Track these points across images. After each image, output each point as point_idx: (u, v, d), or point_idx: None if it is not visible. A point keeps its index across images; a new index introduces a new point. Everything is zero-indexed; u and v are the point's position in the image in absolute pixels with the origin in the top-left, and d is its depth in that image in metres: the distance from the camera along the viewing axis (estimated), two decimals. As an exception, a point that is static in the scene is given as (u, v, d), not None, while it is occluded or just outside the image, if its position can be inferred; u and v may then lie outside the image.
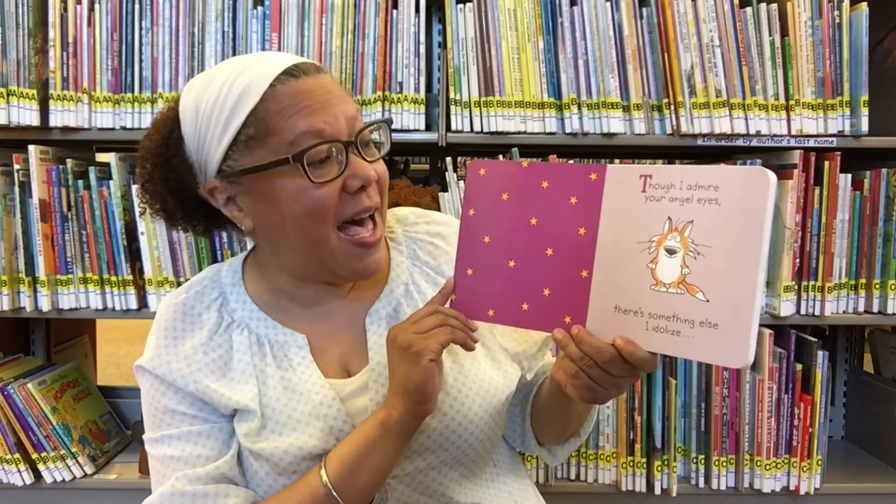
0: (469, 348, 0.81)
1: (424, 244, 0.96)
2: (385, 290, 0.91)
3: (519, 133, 1.48)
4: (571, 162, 1.49)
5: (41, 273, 1.47)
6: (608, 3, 1.47)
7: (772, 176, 0.65)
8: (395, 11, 1.48)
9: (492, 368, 0.91)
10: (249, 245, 1.40)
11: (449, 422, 0.86)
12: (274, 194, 0.80)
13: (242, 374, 0.85)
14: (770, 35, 1.48)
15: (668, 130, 1.48)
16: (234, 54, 1.48)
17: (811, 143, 1.49)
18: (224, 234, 1.49)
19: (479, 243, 0.81)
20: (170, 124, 0.85)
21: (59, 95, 1.45)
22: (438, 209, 1.51)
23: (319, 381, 0.85)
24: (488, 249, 0.81)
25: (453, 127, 1.48)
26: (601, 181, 0.75)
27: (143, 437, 0.88)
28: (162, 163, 0.85)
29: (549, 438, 0.99)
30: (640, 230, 0.72)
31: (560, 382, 0.78)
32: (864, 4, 1.46)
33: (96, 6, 1.46)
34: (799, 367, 1.52)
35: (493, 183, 0.81)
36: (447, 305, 0.83)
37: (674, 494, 1.55)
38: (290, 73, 0.79)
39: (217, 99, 0.79)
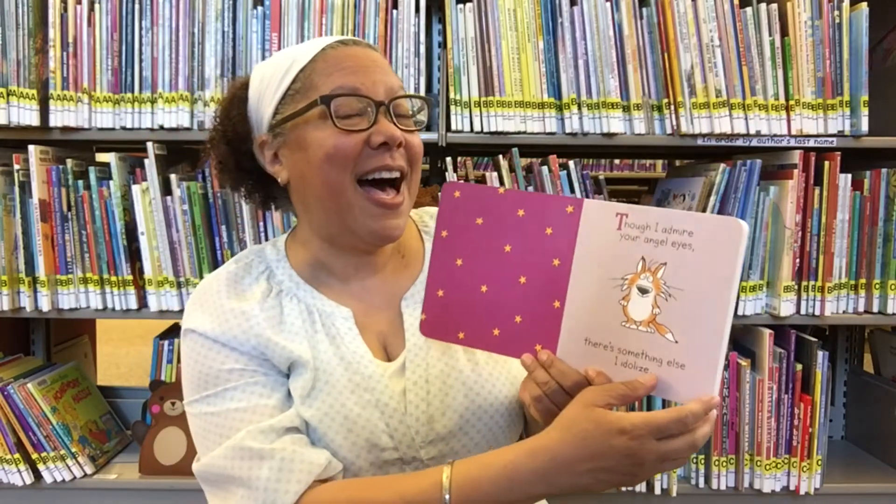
0: None
1: None
2: (420, 278, 0.94)
3: (519, 133, 1.48)
4: (571, 162, 1.49)
5: (41, 273, 1.47)
6: (608, 3, 1.47)
7: (744, 226, 0.67)
8: (395, 11, 1.48)
9: (507, 381, 0.92)
10: (250, 243, 1.40)
11: (481, 402, 0.88)
12: (305, 142, 0.84)
13: (296, 336, 0.86)
14: (770, 35, 1.48)
15: (668, 130, 1.48)
16: (234, 54, 1.48)
17: (811, 143, 1.49)
18: (224, 234, 1.49)
19: (452, 265, 0.81)
20: (240, 85, 0.93)
21: (59, 95, 1.45)
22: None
23: (367, 355, 0.87)
24: (461, 272, 0.81)
25: (453, 127, 1.48)
26: (577, 214, 0.76)
27: (189, 398, 0.86)
28: (224, 117, 0.93)
29: None
30: (614, 267, 0.74)
31: (524, 403, 0.80)
32: (864, 4, 1.46)
33: (96, 6, 1.46)
34: (799, 367, 1.52)
35: (468, 206, 0.81)
36: (419, 326, 0.85)
37: (674, 494, 1.55)
38: (342, 41, 0.87)
39: (279, 65, 0.87)
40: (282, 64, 0.87)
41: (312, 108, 0.83)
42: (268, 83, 0.88)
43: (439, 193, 1.52)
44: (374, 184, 0.85)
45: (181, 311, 1.50)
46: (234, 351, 0.84)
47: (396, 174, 0.85)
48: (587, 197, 1.50)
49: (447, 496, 0.74)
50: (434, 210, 1.04)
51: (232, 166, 0.94)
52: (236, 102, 0.92)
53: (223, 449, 0.80)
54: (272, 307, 0.88)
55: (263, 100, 0.88)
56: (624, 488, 1.54)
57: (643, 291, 0.72)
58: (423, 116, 0.92)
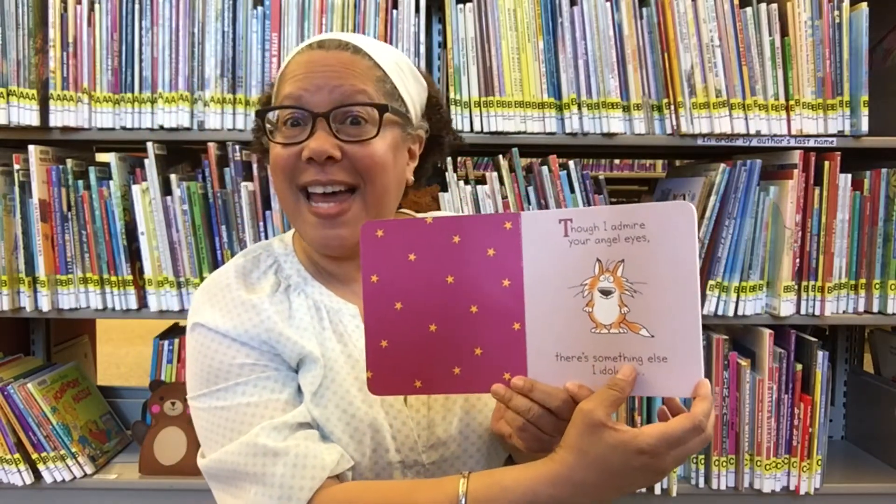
0: None
1: None
2: None
3: (519, 133, 1.48)
4: (571, 162, 1.49)
5: (41, 273, 1.47)
6: (608, 3, 1.47)
7: (692, 207, 0.67)
8: (395, 11, 1.48)
9: None
10: (250, 243, 1.40)
11: (482, 407, 0.88)
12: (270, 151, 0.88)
13: (305, 331, 0.86)
14: (770, 35, 1.48)
15: (668, 130, 1.48)
16: (234, 54, 1.48)
17: (811, 143, 1.49)
18: (224, 234, 1.49)
19: (391, 311, 0.75)
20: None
21: (59, 95, 1.45)
22: (438, 209, 1.51)
23: None
24: (402, 316, 0.75)
25: (453, 127, 1.48)
26: (517, 229, 0.73)
27: (196, 393, 0.85)
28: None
29: None
30: (568, 275, 0.71)
31: (502, 434, 0.77)
32: (864, 4, 1.46)
33: (96, 6, 1.46)
34: (799, 367, 1.52)
35: (394, 244, 0.75)
36: (364, 382, 0.78)
37: (674, 494, 1.55)
38: (318, 43, 0.86)
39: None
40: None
41: (257, 116, 0.89)
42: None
43: (439, 193, 1.52)
44: (319, 194, 0.84)
45: (181, 311, 1.50)
46: (244, 345, 0.84)
47: (338, 188, 0.83)
48: (587, 197, 1.51)
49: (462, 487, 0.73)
50: (434, 214, 1.03)
51: None
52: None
53: (236, 445, 0.79)
54: (281, 301, 0.87)
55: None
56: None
57: (606, 293, 0.70)
58: (370, 121, 0.85)
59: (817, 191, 1.48)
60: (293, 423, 0.81)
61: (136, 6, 1.46)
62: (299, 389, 0.85)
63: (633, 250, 0.69)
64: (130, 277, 1.50)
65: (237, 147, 1.45)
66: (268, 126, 0.86)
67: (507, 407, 0.74)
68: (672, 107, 1.47)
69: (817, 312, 1.50)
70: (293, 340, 0.84)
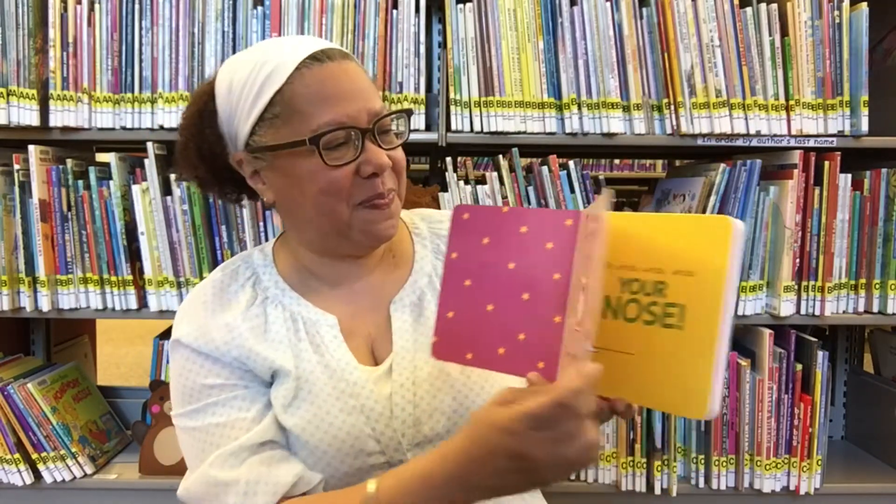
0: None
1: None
2: (409, 280, 0.94)
3: (519, 133, 1.48)
4: (571, 162, 1.49)
5: (41, 273, 1.47)
6: (608, 3, 1.47)
7: (730, 222, 0.69)
8: (395, 11, 1.48)
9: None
10: (250, 244, 1.40)
11: (470, 404, 0.88)
12: (294, 172, 0.84)
13: (280, 344, 0.87)
14: (770, 35, 1.48)
15: (668, 130, 1.48)
16: (234, 54, 1.47)
17: (811, 143, 1.49)
18: (224, 234, 1.49)
19: (461, 286, 0.81)
20: (205, 97, 0.90)
21: (59, 95, 1.45)
22: (438, 209, 1.51)
23: (352, 361, 0.87)
24: (469, 293, 0.80)
25: (453, 127, 1.48)
26: (575, 227, 0.75)
27: (176, 412, 0.87)
28: (196, 133, 0.90)
29: None
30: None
31: None
32: (864, 4, 1.46)
33: (96, 6, 1.46)
34: (799, 367, 1.52)
35: (475, 227, 0.81)
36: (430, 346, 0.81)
37: (674, 494, 1.55)
38: (316, 57, 0.83)
39: (248, 77, 0.84)
40: (252, 77, 0.83)
41: (300, 145, 0.82)
42: (239, 98, 0.84)
43: (439, 193, 1.52)
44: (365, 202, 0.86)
45: (181, 311, 1.50)
46: (216, 363, 0.85)
47: (386, 195, 0.86)
48: (587, 197, 1.51)
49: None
50: (426, 211, 1.05)
51: (212, 181, 0.93)
52: (207, 117, 0.89)
53: (197, 475, 0.83)
54: (256, 315, 0.88)
55: (237, 117, 0.85)
56: (624, 487, 1.54)
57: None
58: (402, 126, 0.90)
59: (817, 191, 1.48)
60: (251, 444, 0.82)
61: (136, 6, 1.46)
62: (271, 402, 0.86)
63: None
64: (130, 277, 1.50)
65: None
66: (323, 151, 0.81)
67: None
68: (672, 107, 1.47)
69: (817, 312, 1.50)
70: (263, 356, 0.85)
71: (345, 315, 0.91)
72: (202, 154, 0.90)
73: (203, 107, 0.89)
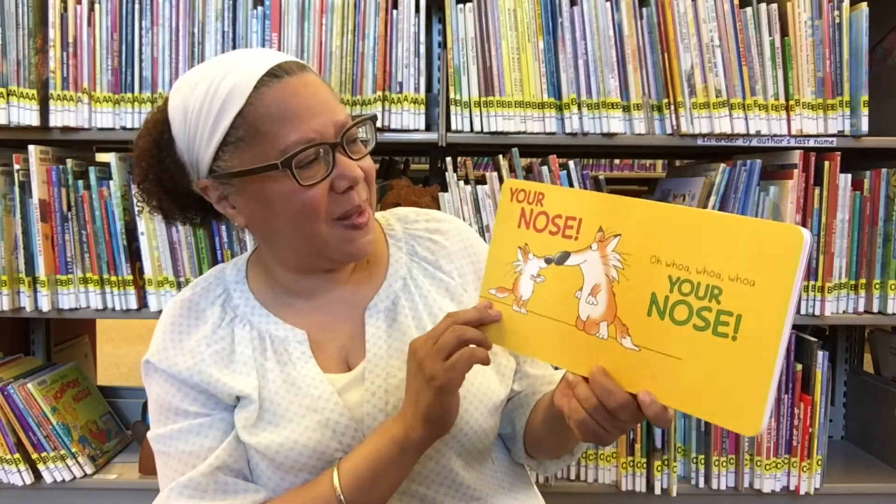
0: (486, 363, 0.78)
1: (423, 240, 0.97)
2: (384, 285, 0.93)
3: (519, 133, 1.48)
4: (571, 162, 1.49)
5: (41, 273, 1.47)
6: (608, 3, 1.47)
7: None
8: (395, 11, 1.48)
9: (491, 370, 0.92)
10: (249, 243, 1.40)
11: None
12: (266, 195, 0.81)
13: (244, 367, 0.87)
14: (770, 35, 1.48)
15: (668, 130, 1.48)
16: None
17: (811, 143, 1.49)
18: (224, 234, 1.49)
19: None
20: (160, 126, 0.86)
21: (59, 95, 1.45)
22: (438, 209, 1.51)
23: (318, 375, 0.86)
24: None
25: (453, 127, 1.48)
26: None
27: (149, 433, 0.89)
28: (155, 164, 0.86)
29: (541, 455, 0.99)
30: None
31: (563, 411, 0.76)
32: (864, 4, 1.46)
33: (96, 6, 1.46)
34: (799, 367, 1.52)
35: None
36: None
37: (674, 494, 1.55)
38: (274, 73, 0.79)
39: (204, 101, 0.80)
40: (209, 100, 0.79)
41: (271, 169, 0.78)
42: (197, 123, 0.80)
43: (439, 193, 1.52)
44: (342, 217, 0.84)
45: (181, 311, 1.50)
46: (182, 387, 0.86)
47: (362, 206, 0.84)
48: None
49: (341, 497, 0.80)
50: (401, 211, 1.03)
51: (175, 209, 0.90)
52: (164, 146, 0.85)
53: (160, 502, 0.87)
54: (223, 338, 0.88)
55: (196, 143, 0.81)
56: (624, 487, 1.54)
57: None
58: (369, 133, 0.88)
59: (817, 191, 1.48)
60: (211, 469, 0.84)
61: (136, 6, 1.46)
62: (233, 424, 0.87)
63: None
64: (130, 277, 1.50)
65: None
66: (295, 170, 0.78)
67: (573, 392, 0.73)
68: (672, 107, 1.47)
69: (817, 312, 1.50)
70: (223, 382, 0.85)
71: (318, 327, 0.90)
72: (163, 185, 0.87)
73: (158, 136, 0.86)
